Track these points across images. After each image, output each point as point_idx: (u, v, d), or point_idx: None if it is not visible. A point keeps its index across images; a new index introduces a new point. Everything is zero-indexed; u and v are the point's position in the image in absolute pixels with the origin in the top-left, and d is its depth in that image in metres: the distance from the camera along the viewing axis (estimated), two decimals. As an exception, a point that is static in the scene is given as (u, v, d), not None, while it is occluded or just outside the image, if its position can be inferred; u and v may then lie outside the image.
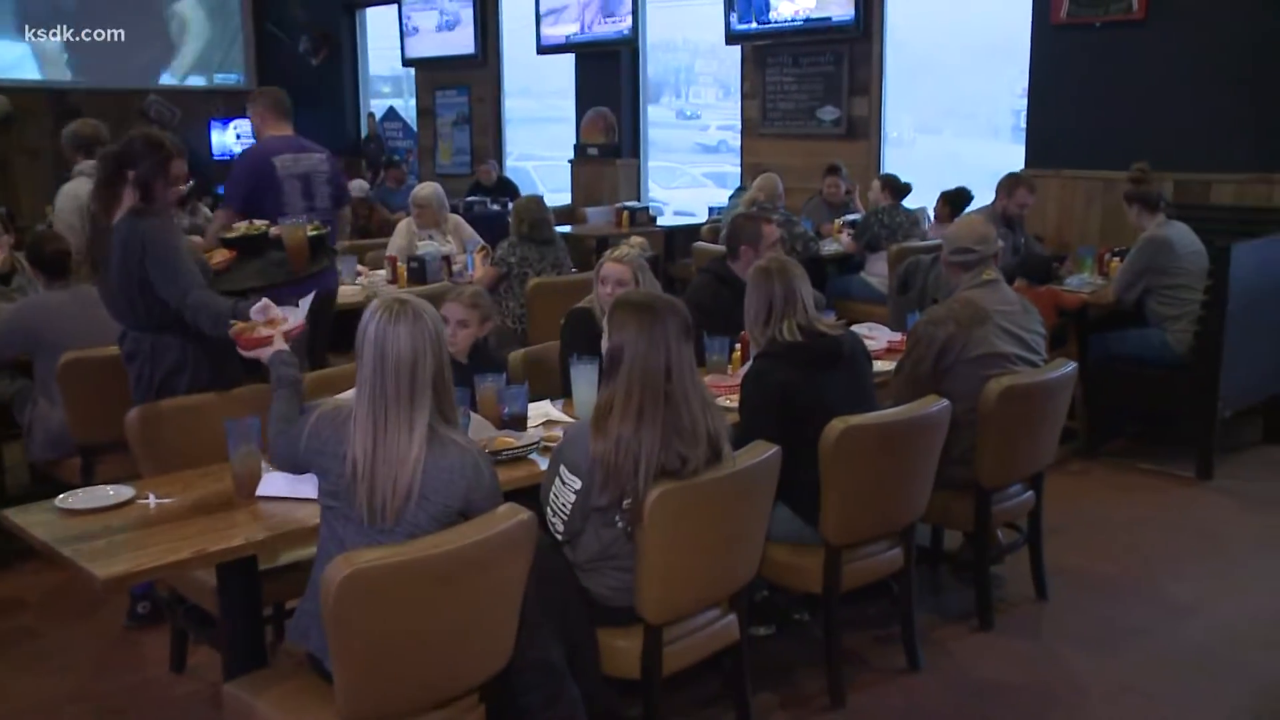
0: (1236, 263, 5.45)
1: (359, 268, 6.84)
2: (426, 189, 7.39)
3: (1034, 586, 4.35)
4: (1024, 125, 8.75)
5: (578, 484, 2.90)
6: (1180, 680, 3.74)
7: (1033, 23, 8.40)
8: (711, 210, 10.11)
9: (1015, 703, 3.64)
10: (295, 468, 2.78)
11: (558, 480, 2.96)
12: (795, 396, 3.48)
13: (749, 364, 3.79)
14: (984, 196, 8.18)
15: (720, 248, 5.02)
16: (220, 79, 15.66)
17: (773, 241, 4.77)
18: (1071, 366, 4.16)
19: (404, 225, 7.31)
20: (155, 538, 2.78)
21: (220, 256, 4.40)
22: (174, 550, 2.69)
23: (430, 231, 7.17)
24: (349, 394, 2.72)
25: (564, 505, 2.94)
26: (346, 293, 6.22)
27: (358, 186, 9.93)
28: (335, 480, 2.57)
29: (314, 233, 4.56)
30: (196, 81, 15.44)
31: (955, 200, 8.05)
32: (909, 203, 8.21)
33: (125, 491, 3.03)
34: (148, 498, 3.01)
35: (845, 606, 3.61)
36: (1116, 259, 6.57)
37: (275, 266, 4.45)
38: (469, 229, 7.54)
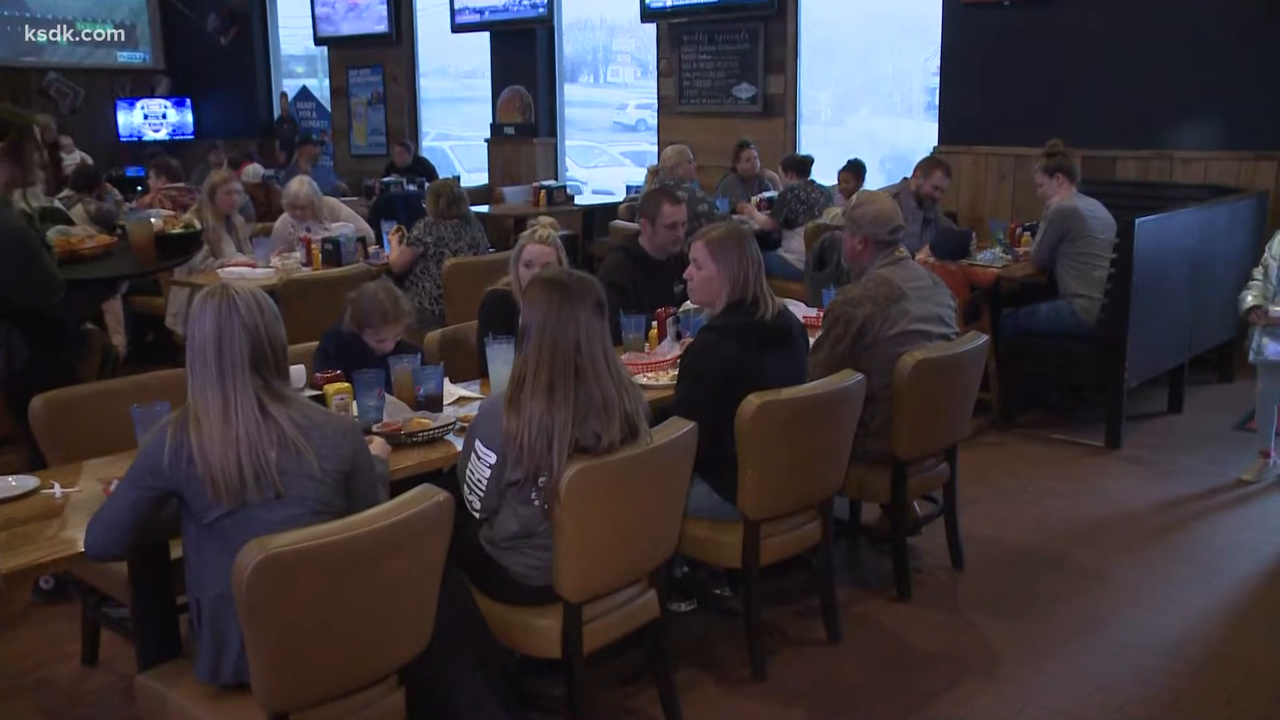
0: (1141, 236, 5.58)
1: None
2: (303, 188, 7.07)
3: (949, 557, 4.44)
4: (937, 103, 8.87)
5: (493, 458, 2.89)
6: (1088, 643, 3.84)
7: (944, 2, 8.51)
8: (629, 189, 10.12)
9: (932, 671, 3.70)
10: (151, 496, 2.53)
11: (473, 456, 2.94)
12: (738, 373, 3.49)
13: (697, 334, 3.77)
14: (897, 174, 8.29)
15: (636, 226, 5.02)
16: (125, 58, 15.27)
17: (671, 222, 4.75)
18: (983, 339, 4.23)
19: (280, 224, 7.11)
20: (61, 528, 2.72)
21: (98, 241, 4.32)
22: (81, 540, 2.62)
23: (308, 224, 6.98)
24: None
25: (479, 481, 2.93)
26: (260, 276, 6.13)
27: (253, 171, 9.77)
28: (199, 488, 2.47)
29: (179, 230, 4.50)
30: (100, 60, 15.03)
31: (856, 169, 8.25)
32: (822, 179, 8.29)
33: (28, 482, 2.96)
34: (52, 487, 2.93)
35: (765, 580, 3.64)
36: (1027, 234, 6.71)
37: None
38: (346, 209, 7.41)
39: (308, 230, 6.84)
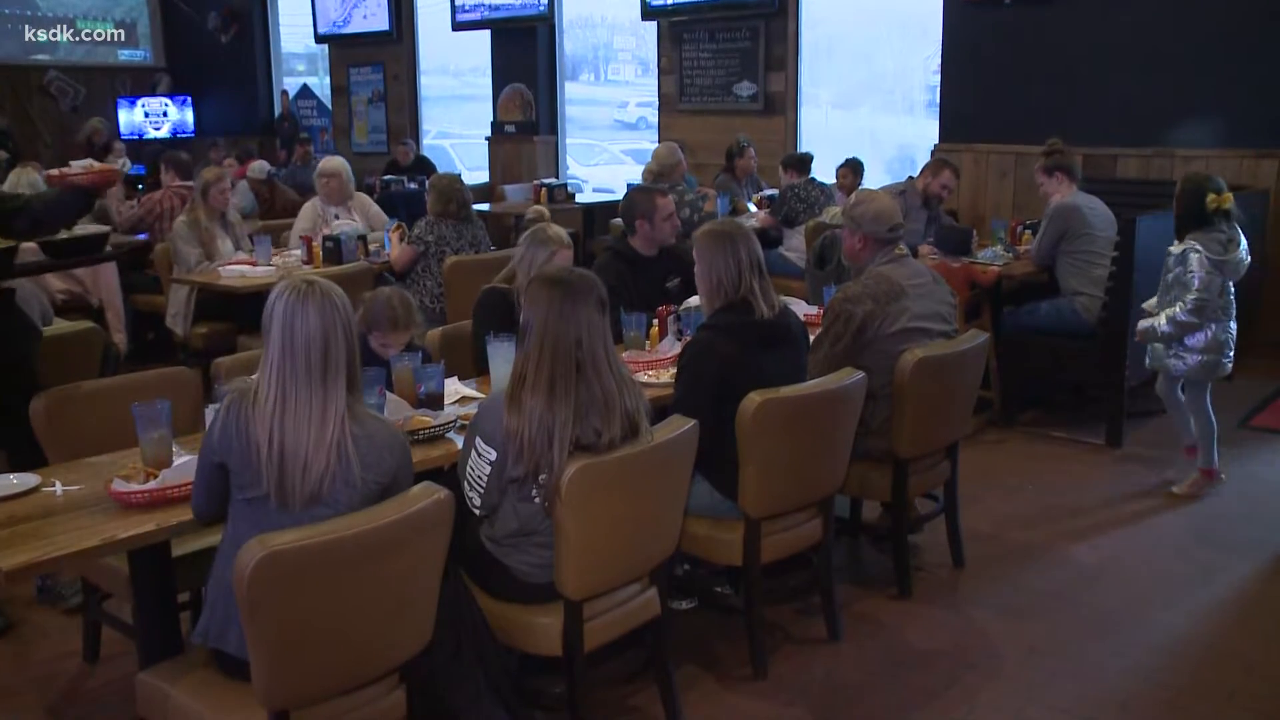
0: (1142, 234, 5.58)
1: (272, 249, 6.72)
2: (335, 161, 7.29)
3: (950, 554, 4.43)
4: (938, 101, 8.86)
5: (493, 455, 2.89)
6: (1089, 641, 3.83)
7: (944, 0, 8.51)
8: (630, 187, 10.09)
9: (933, 668, 3.70)
10: (214, 466, 2.62)
11: (473, 453, 2.94)
12: (735, 372, 3.49)
13: (694, 333, 3.76)
14: (898, 172, 8.28)
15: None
16: (126, 56, 15.27)
17: (668, 214, 4.77)
18: (984, 337, 4.23)
19: (309, 206, 7.18)
20: (62, 525, 2.71)
21: (100, 171, 4.17)
22: (81, 538, 2.63)
23: (335, 210, 7.03)
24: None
25: (480, 478, 2.93)
26: (260, 274, 6.14)
27: (259, 167, 9.77)
28: (242, 466, 2.52)
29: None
30: (101, 58, 15.03)
31: (855, 166, 8.31)
32: (823, 177, 8.29)
33: (29, 479, 2.95)
34: (53, 485, 2.93)
35: (766, 578, 3.64)
36: (1029, 231, 6.71)
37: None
38: (375, 207, 7.45)
39: (336, 216, 6.93)
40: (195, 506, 2.71)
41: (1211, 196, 4.82)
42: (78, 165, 4.12)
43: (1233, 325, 4.98)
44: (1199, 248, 4.80)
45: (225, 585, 2.54)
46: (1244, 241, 4.93)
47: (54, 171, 4.08)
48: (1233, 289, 4.96)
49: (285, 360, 2.50)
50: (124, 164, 11.03)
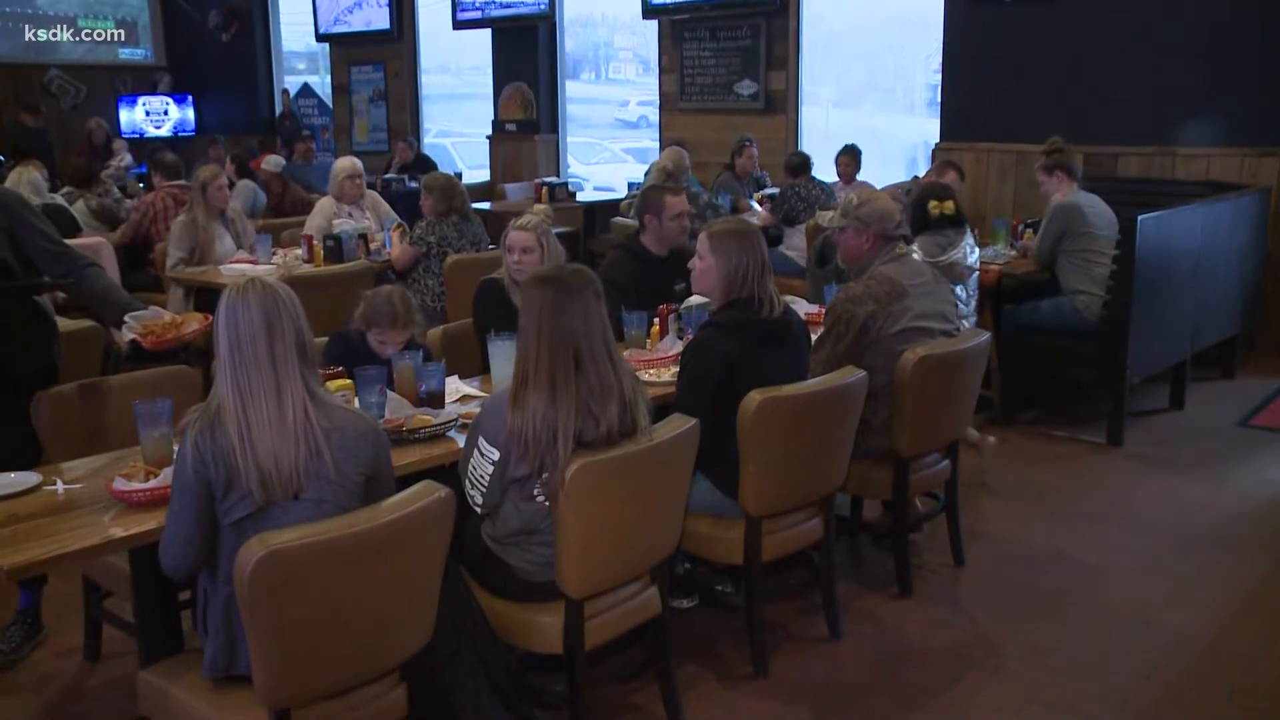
0: (1143, 233, 5.57)
1: (273, 248, 6.72)
2: (356, 162, 7.35)
3: (951, 553, 4.43)
4: (939, 99, 8.86)
5: (495, 455, 2.89)
6: (1090, 640, 3.83)
7: (945, -2, 8.52)
8: (631, 185, 10.10)
9: (934, 667, 3.70)
10: (195, 497, 2.50)
11: (476, 452, 2.95)
12: (736, 370, 3.49)
13: (697, 331, 3.77)
14: (900, 171, 8.27)
15: (637, 224, 5.02)
16: (127, 55, 15.28)
17: (677, 213, 4.77)
18: (985, 336, 4.23)
19: (325, 203, 7.21)
20: (63, 524, 2.71)
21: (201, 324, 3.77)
22: (83, 537, 2.63)
23: (350, 209, 7.08)
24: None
25: (482, 477, 2.93)
26: (262, 273, 6.13)
27: (274, 161, 9.75)
28: (226, 481, 2.46)
29: None
30: (102, 57, 15.04)
31: (854, 152, 8.43)
32: (824, 177, 8.30)
33: (30, 478, 2.95)
34: (55, 483, 2.93)
35: (767, 577, 3.64)
36: (1030, 230, 6.72)
37: None
38: (385, 205, 7.49)
39: (349, 215, 6.96)
40: (171, 557, 2.55)
41: (933, 204, 5.03)
42: (150, 314, 3.69)
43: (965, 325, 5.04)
44: (918, 251, 4.89)
45: (220, 615, 2.54)
46: (967, 245, 5.05)
47: (143, 338, 3.62)
48: (965, 291, 5.05)
49: (234, 355, 2.48)
50: (126, 160, 11.03)
